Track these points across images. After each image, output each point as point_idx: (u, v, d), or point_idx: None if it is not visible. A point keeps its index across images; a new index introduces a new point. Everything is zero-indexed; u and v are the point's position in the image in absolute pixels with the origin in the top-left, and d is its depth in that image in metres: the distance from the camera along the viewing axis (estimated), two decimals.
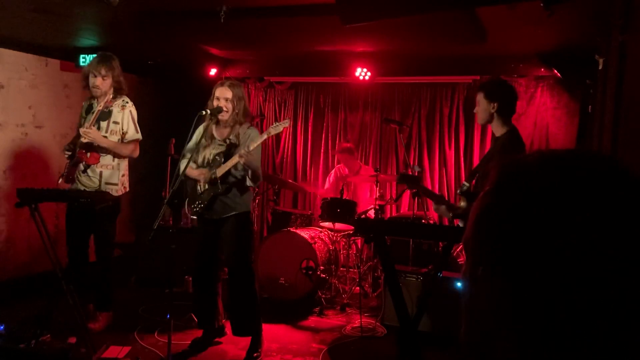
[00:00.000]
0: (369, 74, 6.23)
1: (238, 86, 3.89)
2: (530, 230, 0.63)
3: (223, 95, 3.78)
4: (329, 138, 7.04)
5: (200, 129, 3.95)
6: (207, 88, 6.28)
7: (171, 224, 5.99)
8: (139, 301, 5.10)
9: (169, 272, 4.65)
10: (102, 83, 4.22)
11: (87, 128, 4.11)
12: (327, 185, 6.38)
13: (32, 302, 4.56)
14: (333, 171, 6.42)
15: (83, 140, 4.16)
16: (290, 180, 6.53)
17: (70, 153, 4.26)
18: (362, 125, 6.92)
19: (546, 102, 6.03)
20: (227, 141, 3.88)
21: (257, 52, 6.38)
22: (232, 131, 3.88)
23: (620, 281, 0.59)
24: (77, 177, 4.27)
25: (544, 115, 6.03)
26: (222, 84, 3.85)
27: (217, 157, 3.87)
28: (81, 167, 4.24)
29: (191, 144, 3.92)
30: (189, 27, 4.96)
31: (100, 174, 4.25)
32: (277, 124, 3.76)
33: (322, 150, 7.05)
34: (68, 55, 5.91)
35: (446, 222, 3.54)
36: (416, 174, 3.49)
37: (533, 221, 0.63)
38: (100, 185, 4.23)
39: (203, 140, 3.90)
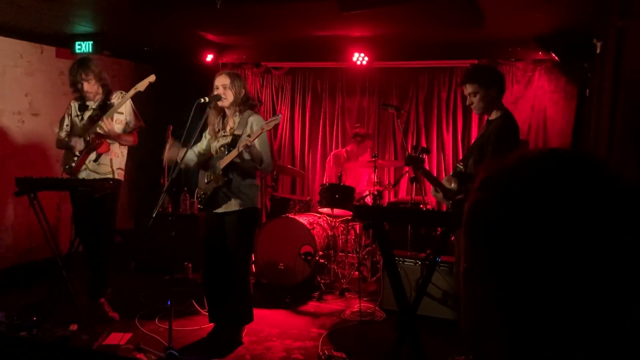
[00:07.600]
0: (366, 58, 6.20)
1: (236, 74, 3.87)
2: (509, 234, 0.64)
3: (221, 83, 3.78)
4: (327, 123, 7.03)
5: (209, 120, 3.93)
6: (203, 74, 6.31)
7: (170, 211, 6.00)
8: (139, 288, 5.13)
9: (169, 259, 4.67)
10: (90, 87, 4.37)
11: (103, 122, 4.24)
12: (326, 171, 6.37)
13: (33, 290, 4.58)
14: (331, 156, 6.40)
15: (100, 131, 4.27)
16: (288, 166, 6.53)
17: (78, 144, 4.35)
18: (359, 110, 6.91)
19: (544, 86, 6.02)
20: (232, 131, 3.83)
21: (254, 37, 6.34)
22: (235, 121, 3.85)
23: (602, 283, 0.60)
24: (86, 166, 4.35)
25: (541, 99, 6.03)
26: (220, 73, 3.85)
27: (221, 149, 3.82)
28: (92, 156, 4.35)
29: (198, 133, 3.85)
30: (185, 13, 4.92)
31: (111, 161, 4.42)
32: (270, 120, 3.65)
33: (319, 136, 7.04)
34: (64, 42, 5.86)
35: (444, 208, 3.54)
36: (423, 157, 3.51)
37: (511, 226, 0.64)
38: (113, 172, 4.41)
39: (211, 130, 3.89)
